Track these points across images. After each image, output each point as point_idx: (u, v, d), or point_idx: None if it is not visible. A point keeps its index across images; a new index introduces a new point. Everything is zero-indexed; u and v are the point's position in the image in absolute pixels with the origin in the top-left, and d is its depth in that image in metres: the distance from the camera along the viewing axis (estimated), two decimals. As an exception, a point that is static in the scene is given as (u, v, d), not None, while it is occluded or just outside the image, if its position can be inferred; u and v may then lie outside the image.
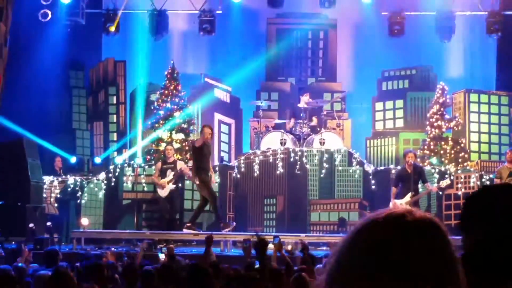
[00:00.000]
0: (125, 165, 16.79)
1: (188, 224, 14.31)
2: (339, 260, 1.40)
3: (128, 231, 15.47)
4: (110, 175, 16.54)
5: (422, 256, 1.35)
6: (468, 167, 17.00)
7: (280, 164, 16.19)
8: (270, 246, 9.11)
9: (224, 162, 17.86)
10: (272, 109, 20.29)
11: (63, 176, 16.65)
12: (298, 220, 16.01)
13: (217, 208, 14.40)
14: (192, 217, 14.51)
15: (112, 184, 16.47)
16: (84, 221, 15.13)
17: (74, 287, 5.52)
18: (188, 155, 17.13)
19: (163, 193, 14.81)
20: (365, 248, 1.37)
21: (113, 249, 13.07)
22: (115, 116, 19.82)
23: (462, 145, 18.02)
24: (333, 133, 16.74)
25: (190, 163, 15.49)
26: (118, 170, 16.61)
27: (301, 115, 16.97)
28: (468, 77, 20.74)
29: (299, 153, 16.17)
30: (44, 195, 15.72)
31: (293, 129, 17.05)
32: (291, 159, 16.14)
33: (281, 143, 16.60)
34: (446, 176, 15.21)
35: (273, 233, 14.61)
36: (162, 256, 10.32)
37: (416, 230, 1.38)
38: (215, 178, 15.01)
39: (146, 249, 13.29)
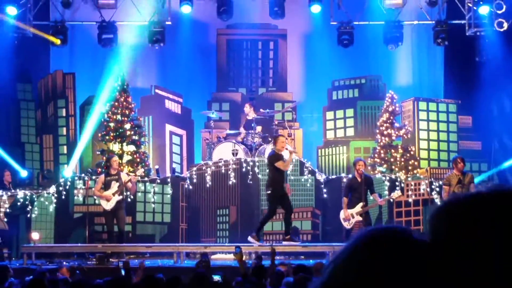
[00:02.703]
0: (76, 178, 16.58)
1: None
2: None
3: (79, 244, 15.26)
4: (61, 188, 16.31)
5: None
6: (418, 175, 17.23)
7: (232, 174, 16.16)
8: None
9: (176, 174, 17.76)
10: (223, 120, 20.27)
11: (13, 190, 16.36)
12: (251, 230, 15.96)
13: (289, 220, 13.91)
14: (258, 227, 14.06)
15: (63, 197, 16.25)
16: (35, 235, 14.87)
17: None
18: (139, 167, 17.00)
19: (108, 205, 14.23)
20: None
21: (64, 263, 12.93)
22: (64, 128, 19.53)
23: (412, 152, 18.24)
24: (285, 143, 16.77)
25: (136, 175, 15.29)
26: (68, 183, 16.39)
27: (252, 125, 16.93)
28: (416, 86, 21.02)
29: (251, 163, 16.18)
30: (-7, 210, 15.45)
31: (245, 139, 17.05)
32: (243, 169, 16.13)
33: (233, 154, 16.58)
34: (397, 188, 15.36)
35: (227, 244, 14.62)
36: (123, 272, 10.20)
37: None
38: (289, 190, 14.49)
39: (99, 262, 13.18)
